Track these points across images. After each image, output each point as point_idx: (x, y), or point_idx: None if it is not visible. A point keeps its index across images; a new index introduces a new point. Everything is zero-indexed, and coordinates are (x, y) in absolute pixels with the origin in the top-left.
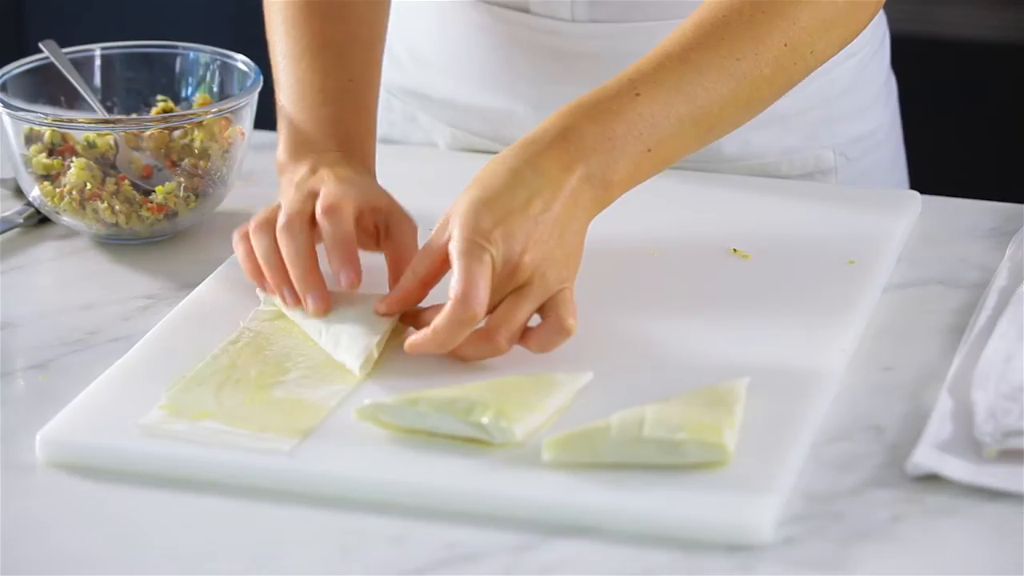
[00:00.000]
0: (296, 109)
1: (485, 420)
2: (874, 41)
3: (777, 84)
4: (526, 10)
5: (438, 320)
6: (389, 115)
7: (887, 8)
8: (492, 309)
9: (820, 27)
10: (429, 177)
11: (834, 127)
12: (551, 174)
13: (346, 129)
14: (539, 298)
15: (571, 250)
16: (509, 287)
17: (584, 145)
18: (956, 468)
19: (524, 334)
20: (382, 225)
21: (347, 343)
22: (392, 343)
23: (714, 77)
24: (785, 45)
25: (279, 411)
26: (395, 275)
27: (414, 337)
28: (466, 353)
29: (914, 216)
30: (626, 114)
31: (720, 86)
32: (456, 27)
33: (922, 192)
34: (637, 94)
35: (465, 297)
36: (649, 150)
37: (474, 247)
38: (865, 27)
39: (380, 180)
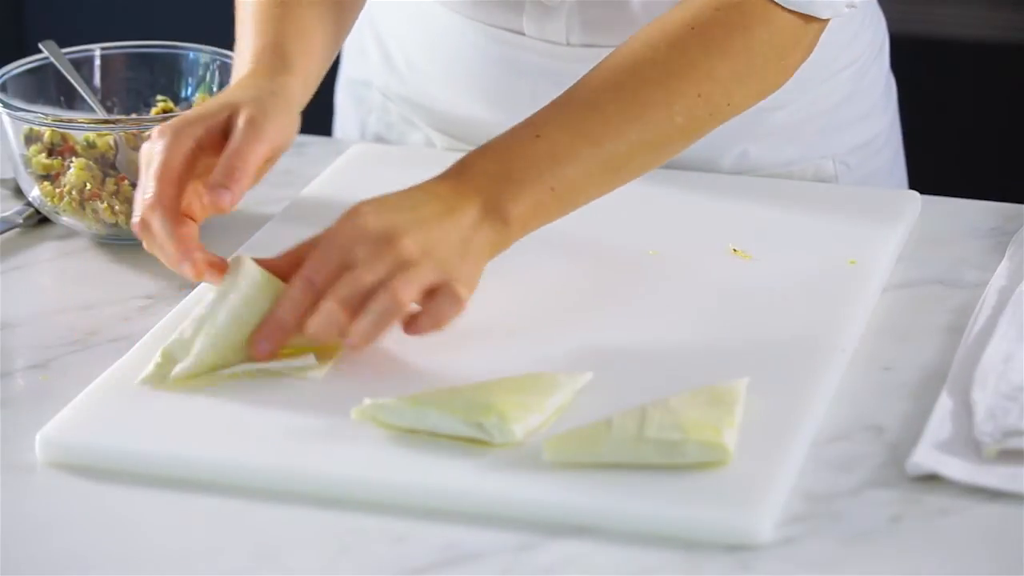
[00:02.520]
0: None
1: (485, 420)
2: (873, 47)
3: (689, 132)
4: (520, 32)
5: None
6: (387, 117)
7: (886, 8)
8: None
9: (736, 79)
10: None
11: (834, 136)
12: (446, 198)
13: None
14: (428, 273)
15: (473, 261)
16: (389, 261)
17: (480, 180)
18: (956, 468)
19: (412, 317)
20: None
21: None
22: (385, 347)
23: (620, 122)
24: (699, 96)
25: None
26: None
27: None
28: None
29: (914, 216)
30: (525, 153)
31: (627, 130)
32: (452, 45)
33: (922, 192)
34: (537, 135)
35: (305, 268)
36: (552, 189)
37: (344, 223)
38: (787, 79)
39: (378, 182)
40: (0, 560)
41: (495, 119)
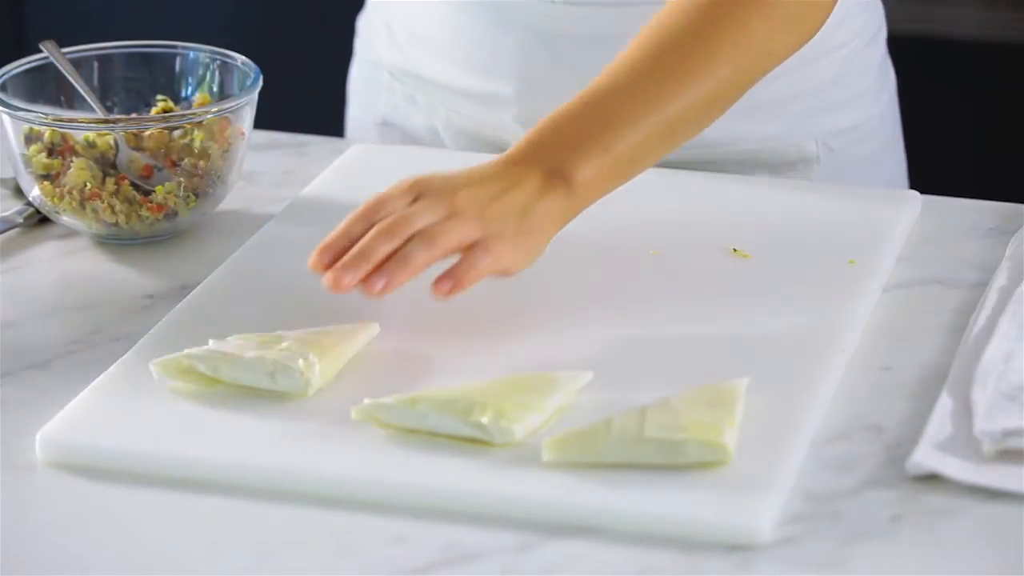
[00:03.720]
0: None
1: (485, 420)
2: (866, 33)
3: (737, 84)
4: None
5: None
6: (392, 97)
7: (890, 8)
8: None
9: (771, 27)
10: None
11: (818, 118)
12: (508, 171)
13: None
14: (472, 228)
15: (531, 228)
16: (440, 211)
17: (540, 152)
18: (956, 468)
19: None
20: None
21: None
22: (384, 347)
23: (670, 82)
24: (737, 46)
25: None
26: None
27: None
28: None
29: (914, 216)
30: (582, 122)
31: (678, 90)
32: (443, 8)
33: (922, 192)
34: (592, 105)
35: (370, 201)
36: (614, 154)
37: (399, 182)
38: (821, 27)
39: (378, 182)
40: (0, 560)
41: (483, 87)
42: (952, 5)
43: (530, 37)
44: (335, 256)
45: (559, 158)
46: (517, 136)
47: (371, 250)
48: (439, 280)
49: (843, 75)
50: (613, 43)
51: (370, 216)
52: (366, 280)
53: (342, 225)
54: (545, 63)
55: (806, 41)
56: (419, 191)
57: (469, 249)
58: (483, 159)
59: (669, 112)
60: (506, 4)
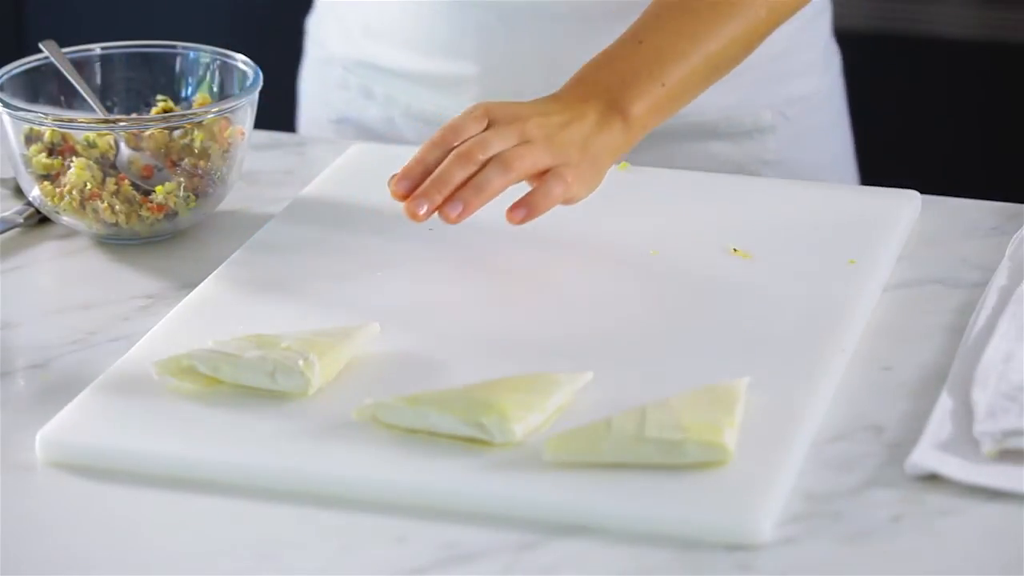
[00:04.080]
0: None
1: (486, 420)
2: (815, 6)
3: (771, 22)
4: None
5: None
6: (345, 93)
7: (893, 7)
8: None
9: None
10: None
11: (773, 87)
12: (569, 104)
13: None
14: (544, 155)
15: (593, 159)
16: (513, 136)
17: (597, 88)
18: (956, 468)
19: (517, 201)
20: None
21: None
22: (384, 347)
23: (714, 18)
24: None
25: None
26: None
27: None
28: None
29: (914, 216)
30: (633, 58)
31: (722, 26)
32: None
33: (922, 192)
34: (640, 41)
35: (444, 127)
36: (665, 87)
37: (471, 107)
38: None
39: (378, 182)
40: (0, 560)
41: (445, 69)
42: (953, 5)
43: (490, 16)
44: (413, 184)
45: (616, 93)
46: None
47: (447, 176)
48: (514, 207)
49: (794, 46)
50: (572, 19)
51: (445, 143)
52: (443, 207)
53: (418, 152)
54: (506, 41)
55: None
56: (491, 117)
57: (540, 176)
58: None
59: (712, 48)
60: None
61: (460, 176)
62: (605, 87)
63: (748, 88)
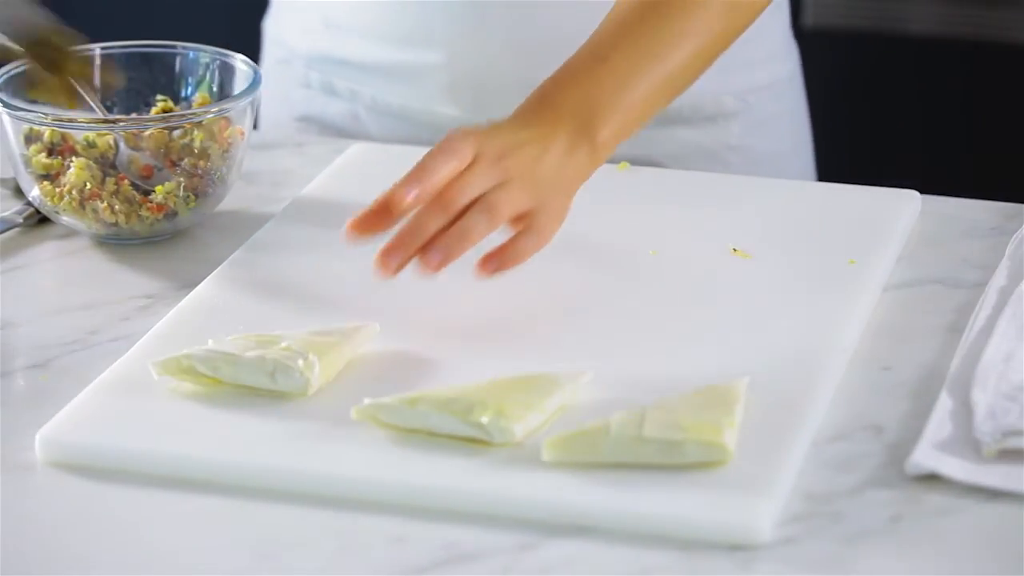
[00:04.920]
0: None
1: (485, 420)
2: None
3: (727, 36)
4: None
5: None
6: (306, 91)
7: (890, 8)
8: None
9: None
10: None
11: (734, 75)
12: (539, 127)
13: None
14: (525, 196)
15: (566, 192)
16: (489, 182)
17: (564, 110)
18: (956, 468)
19: (489, 254)
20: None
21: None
22: (384, 347)
23: (673, 36)
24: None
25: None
26: None
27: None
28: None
29: (914, 216)
30: (598, 78)
31: (681, 43)
32: None
33: (922, 192)
34: (604, 59)
35: (415, 168)
36: (629, 109)
37: (445, 142)
38: None
39: (378, 182)
40: (0, 560)
41: (411, 59)
42: (953, 5)
43: (458, 3)
44: (378, 230)
45: (583, 118)
46: (445, 109)
47: (423, 227)
48: (486, 262)
49: (754, 35)
50: (540, 6)
51: (420, 185)
52: (423, 255)
53: (387, 194)
54: (475, 28)
55: None
56: (477, 151)
57: (518, 220)
58: None
59: (678, 65)
60: None
61: (437, 224)
62: (571, 112)
63: (710, 75)
